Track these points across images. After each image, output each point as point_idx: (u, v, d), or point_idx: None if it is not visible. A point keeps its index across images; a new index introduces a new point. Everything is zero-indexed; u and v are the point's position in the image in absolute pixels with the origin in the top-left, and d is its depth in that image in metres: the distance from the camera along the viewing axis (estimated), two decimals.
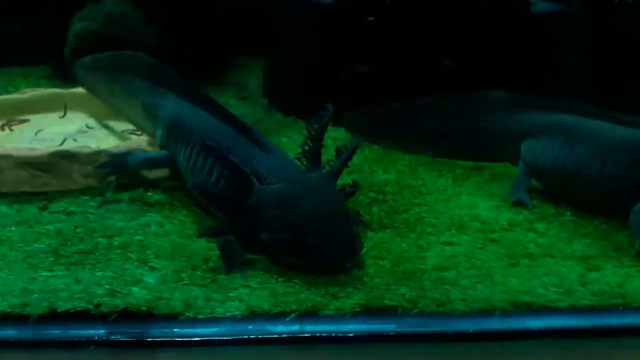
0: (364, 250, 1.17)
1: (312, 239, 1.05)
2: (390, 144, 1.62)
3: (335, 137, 1.70)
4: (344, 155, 1.22)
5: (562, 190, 1.35)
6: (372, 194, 1.40)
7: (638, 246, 1.17)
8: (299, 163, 1.22)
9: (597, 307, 1.05)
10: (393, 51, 1.67)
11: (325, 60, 1.75)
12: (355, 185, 1.26)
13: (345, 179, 1.44)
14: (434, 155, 1.58)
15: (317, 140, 1.20)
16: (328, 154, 1.58)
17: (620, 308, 1.06)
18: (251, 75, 2.19)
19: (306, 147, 1.21)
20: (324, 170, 1.21)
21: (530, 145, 1.39)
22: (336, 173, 1.20)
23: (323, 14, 1.73)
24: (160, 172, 1.38)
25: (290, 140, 1.65)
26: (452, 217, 1.31)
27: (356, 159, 1.55)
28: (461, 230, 1.26)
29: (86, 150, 1.33)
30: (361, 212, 1.30)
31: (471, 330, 1.02)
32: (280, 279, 1.08)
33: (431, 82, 1.63)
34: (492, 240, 1.23)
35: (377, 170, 1.51)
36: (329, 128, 1.70)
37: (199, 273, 1.09)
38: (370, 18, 1.66)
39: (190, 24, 2.07)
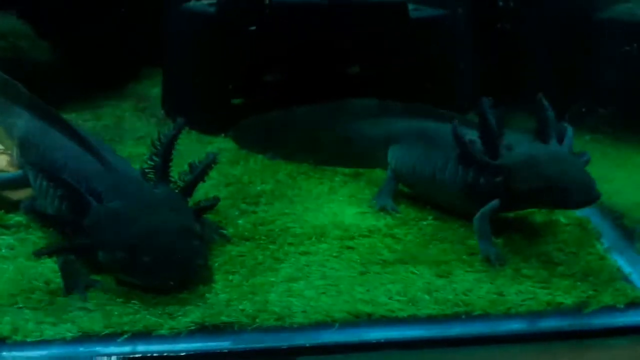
0: (217, 264, 1.16)
1: (146, 258, 1.03)
2: (276, 154, 1.61)
3: (223, 147, 1.70)
4: (197, 170, 1.20)
5: (423, 194, 1.36)
6: (243, 206, 1.38)
7: (482, 251, 1.17)
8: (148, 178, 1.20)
9: (439, 317, 1.04)
10: (276, 60, 1.67)
11: (211, 70, 1.74)
12: (214, 200, 1.24)
13: (221, 191, 1.44)
14: (316, 163, 1.57)
15: (164, 154, 1.17)
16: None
17: (463, 317, 1.05)
18: (155, 86, 2.18)
19: (152, 163, 1.18)
20: (180, 185, 1.19)
21: (394, 151, 1.40)
22: (187, 188, 1.18)
23: (207, 24, 1.72)
24: (24, 193, 1.36)
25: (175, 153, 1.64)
26: (316, 226, 1.29)
27: (238, 170, 1.56)
28: (321, 239, 1.25)
29: None
30: (227, 225, 1.30)
31: (307, 344, 1.01)
32: (119, 300, 1.05)
33: (316, 90, 1.62)
34: (349, 247, 1.22)
35: (255, 181, 1.50)
36: (221, 139, 1.75)
37: (35, 296, 1.06)
38: (252, 28, 1.65)
39: (87, 37, 2.05)
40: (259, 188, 1.47)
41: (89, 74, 2.00)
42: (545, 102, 1.22)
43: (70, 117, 1.86)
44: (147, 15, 2.23)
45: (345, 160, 1.54)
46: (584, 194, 1.13)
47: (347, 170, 1.56)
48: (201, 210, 1.20)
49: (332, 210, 1.36)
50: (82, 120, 1.86)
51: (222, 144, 1.72)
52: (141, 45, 2.22)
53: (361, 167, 1.54)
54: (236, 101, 1.76)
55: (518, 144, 1.21)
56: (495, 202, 1.20)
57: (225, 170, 1.54)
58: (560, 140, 1.22)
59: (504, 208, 1.21)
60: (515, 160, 1.18)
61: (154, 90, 2.14)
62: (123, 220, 1.06)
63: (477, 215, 1.20)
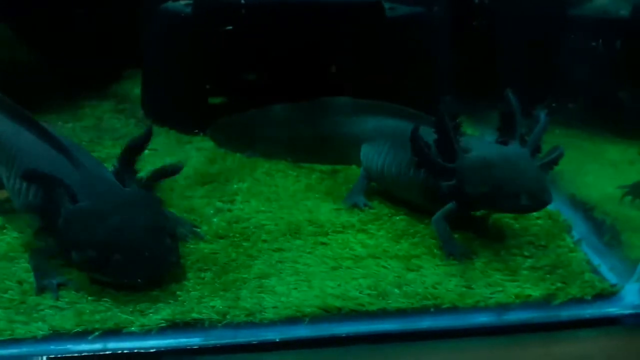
0: (189, 262, 1.17)
1: (117, 256, 1.04)
2: (254, 152, 1.62)
3: (202, 146, 1.71)
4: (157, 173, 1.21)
5: (391, 192, 1.37)
6: (219, 204, 1.39)
7: (446, 251, 1.18)
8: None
9: (408, 310, 1.06)
10: (253, 60, 1.68)
11: (189, 70, 1.75)
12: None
13: (197, 190, 1.45)
14: (294, 160, 1.58)
15: (130, 155, 1.19)
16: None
17: (432, 310, 1.06)
18: (136, 87, 2.18)
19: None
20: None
21: (366, 149, 1.42)
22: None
23: (183, 24, 1.72)
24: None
25: (152, 153, 1.65)
26: (291, 222, 1.30)
27: (215, 169, 1.56)
28: (295, 235, 1.26)
29: None
30: (202, 223, 1.30)
31: (277, 339, 1.02)
32: (91, 298, 1.06)
33: (293, 89, 1.63)
34: (322, 243, 1.23)
35: (232, 180, 1.50)
36: (199, 138, 1.75)
37: (7, 295, 1.07)
38: (228, 27, 1.66)
39: (68, 38, 2.05)
40: (235, 186, 1.47)
41: (69, 76, 2.00)
42: (512, 98, 1.23)
43: (50, 118, 1.88)
44: (129, 16, 2.25)
45: (322, 158, 1.55)
46: (531, 199, 1.13)
47: (324, 168, 1.57)
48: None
49: (308, 207, 1.37)
50: (62, 121, 1.86)
51: (200, 143, 1.72)
52: (123, 46, 2.23)
53: (338, 164, 1.55)
54: (215, 100, 1.77)
55: (478, 146, 1.21)
56: (451, 205, 1.21)
57: (203, 168, 1.55)
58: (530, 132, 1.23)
59: (460, 210, 1.22)
60: (468, 163, 1.19)
61: (135, 91, 2.13)
62: (94, 220, 1.06)
63: (434, 217, 1.22)
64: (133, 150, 1.19)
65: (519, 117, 1.23)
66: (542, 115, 1.25)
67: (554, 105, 1.33)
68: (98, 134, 1.79)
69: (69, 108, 1.97)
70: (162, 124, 1.81)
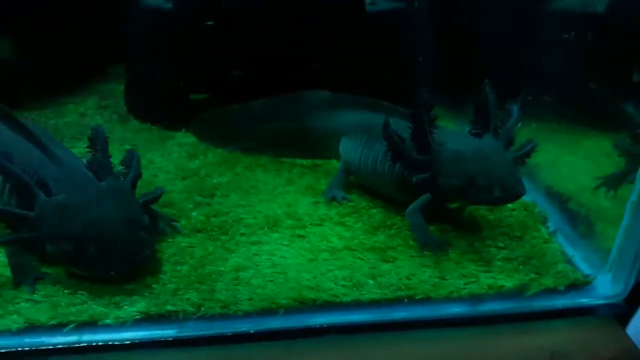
0: (166, 256, 1.17)
1: (91, 249, 1.04)
2: (236, 147, 1.62)
3: (184, 142, 1.71)
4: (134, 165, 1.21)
5: (369, 185, 1.38)
6: (198, 198, 1.39)
7: (420, 243, 1.19)
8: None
9: (382, 301, 1.07)
10: (234, 55, 1.68)
11: (170, 66, 1.75)
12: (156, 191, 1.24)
13: (177, 185, 1.46)
14: (275, 155, 1.59)
15: (102, 151, 1.20)
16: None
17: (405, 300, 1.07)
18: (120, 83, 2.17)
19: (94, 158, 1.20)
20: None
21: (344, 143, 1.42)
22: (132, 181, 1.19)
23: (162, 20, 1.72)
24: None
25: (133, 148, 1.65)
26: (270, 216, 1.31)
27: (196, 164, 1.56)
28: (273, 229, 1.27)
29: None
30: (180, 217, 1.31)
31: (252, 331, 1.03)
32: (67, 291, 1.07)
33: (274, 83, 1.63)
34: (300, 236, 1.24)
35: (212, 174, 1.50)
36: (181, 134, 1.76)
37: None
38: (209, 22, 1.66)
39: (51, 35, 2.05)
40: (215, 181, 1.48)
41: (53, 72, 2.01)
42: (489, 91, 1.24)
43: (33, 114, 1.89)
44: (112, 12, 2.24)
45: (302, 152, 1.55)
46: (504, 191, 1.14)
47: (305, 162, 1.57)
48: (148, 202, 1.21)
49: (287, 201, 1.37)
50: (44, 117, 1.87)
51: (182, 139, 1.73)
52: (107, 42, 2.23)
53: (319, 159, 1.55)
54: (197, 96, 1.77)
55: (452, 139, 1.22)
56: (425, 197, 1.22)
57: (183, 164, 1.55)
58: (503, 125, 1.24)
59: (435, 203, 1.23)
60: (442, 156, 1.19)
61: (119, 87, 2.14)
62: (69, 213, 1.07)
63: (408, 209, 1.23)
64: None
65: (494, 110, 1.23)
66: (515, 108, 1.26)
67: (529, 98, 1.34)
68: (80, 129, 1.78)
69: (53, 104, 1.97)
70: (144, 120, 1.83)
